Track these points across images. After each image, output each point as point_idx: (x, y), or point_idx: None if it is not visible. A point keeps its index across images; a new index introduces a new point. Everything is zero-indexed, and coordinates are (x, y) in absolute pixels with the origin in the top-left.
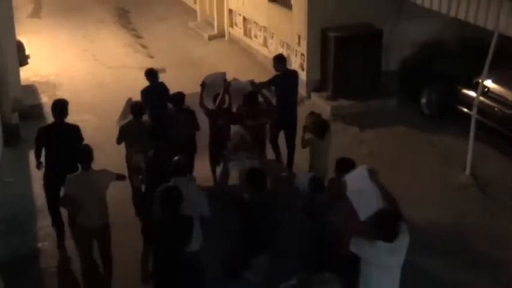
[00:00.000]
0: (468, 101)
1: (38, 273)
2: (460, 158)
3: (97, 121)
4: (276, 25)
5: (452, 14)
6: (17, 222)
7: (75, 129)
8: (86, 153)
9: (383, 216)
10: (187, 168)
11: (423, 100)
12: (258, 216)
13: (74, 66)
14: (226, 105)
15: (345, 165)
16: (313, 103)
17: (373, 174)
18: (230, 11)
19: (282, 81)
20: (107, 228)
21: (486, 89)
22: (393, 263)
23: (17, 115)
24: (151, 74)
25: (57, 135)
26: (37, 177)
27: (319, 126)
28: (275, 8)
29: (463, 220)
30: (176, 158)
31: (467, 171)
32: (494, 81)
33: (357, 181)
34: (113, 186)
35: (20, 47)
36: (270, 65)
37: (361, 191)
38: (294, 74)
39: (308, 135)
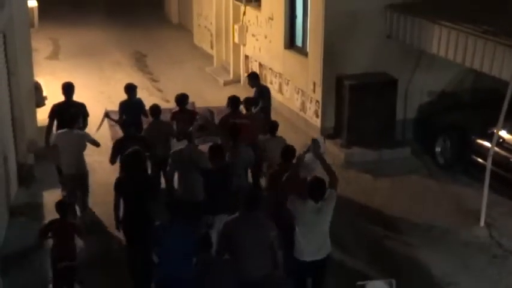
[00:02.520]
0: (483, 151)
1: None
2: (475, 209)
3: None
4: (292, 72)
5: (467, 64)
6: (28, 263)
7: (82, 106)
8: (74, 116)
9: (314, 181)
10: (190, 135)
11: (437, 149)
12: (217, 181)
13: (90, 107)
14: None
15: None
16: (327, 150)
17: (316, 145)
18: (246, 57)
19: (259, 94)
20: (83, 176)
21: (501, 140)
22: (317, 222)
23: (32, 156)
24: (130, 89)
25: (67, 110)
26: (49, 216)
27: (270, 126)
28: (291, 55)
29: (479, 273)
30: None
31: (482, 223)
32: (510, 132)
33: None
34: None
35: (38, 88)
36: (284, 112)
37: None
38: (267, 89)
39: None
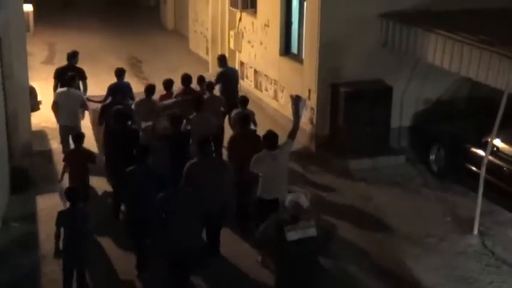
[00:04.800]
0: (477, 160)
1: None
2: (468, 218)
3: None
4: (287, 79)
5: (463, 73)
6: (22, 267)
7: (81, 70)
8: (72, 77)
9: (267, 134)
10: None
11: (432, 157)
12: (176, 146)
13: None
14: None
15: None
16: (322, 158)
17: (297, 101)
18: (242, 63)
19: (225, 75)
20: (76, 128)
21: (495, 148)
22: (276, 166)
23: (26, 160)
24: (119, 73)
25: (66, 72)
26: (43, 222)
27: (241, 101)
28: (286, 62)
29: (472, 282)
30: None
31: (475, 231)
32: (503, 141)
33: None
34: None
35: (32, 92)
36: (280, 118)
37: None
38: (234, 70)
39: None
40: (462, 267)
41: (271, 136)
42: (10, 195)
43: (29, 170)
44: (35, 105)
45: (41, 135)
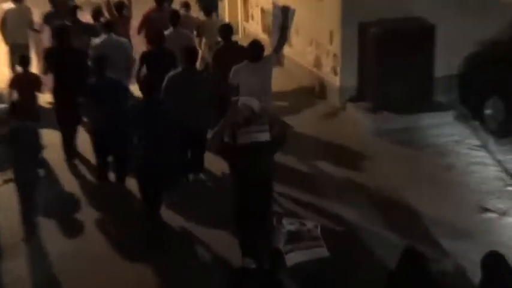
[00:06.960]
0: None
1: None
2: None
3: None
4: (303, 19)
5: None
6: None
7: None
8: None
9: (252, 43)
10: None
11: (488, 112)
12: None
13: None
14: None
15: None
16: (349, 116)
17: (285, 11)
18: (245, 1)
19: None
20: (27, 46)
21: None
22: (256, 80)
23: None
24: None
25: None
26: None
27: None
28: None
29: None
30: None
31: None
32: None
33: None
34: None
35: None
36: (294, 68)
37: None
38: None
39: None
40: None
41: (257, 46)
42: None
43: None
44: None
45: None
